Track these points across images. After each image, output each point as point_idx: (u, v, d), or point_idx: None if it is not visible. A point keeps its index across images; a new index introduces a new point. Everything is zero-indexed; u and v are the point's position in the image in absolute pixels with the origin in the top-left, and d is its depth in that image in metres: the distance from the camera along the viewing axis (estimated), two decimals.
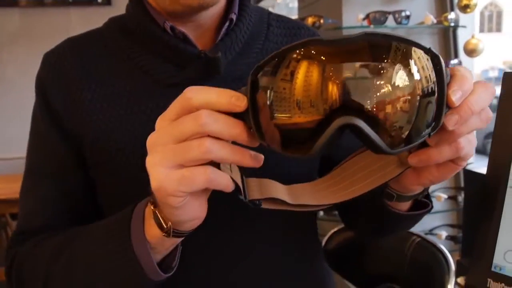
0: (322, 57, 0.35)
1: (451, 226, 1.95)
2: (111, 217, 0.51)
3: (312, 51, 0.35)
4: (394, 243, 1.01)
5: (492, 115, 0.41)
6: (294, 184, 0.49)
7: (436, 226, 1.92)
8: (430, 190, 0.54)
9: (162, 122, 0.40)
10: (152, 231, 0.44)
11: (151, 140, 0.39)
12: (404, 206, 0.55)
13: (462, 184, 1.91)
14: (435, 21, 1.76)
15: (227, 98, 0.38)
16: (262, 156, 0.40)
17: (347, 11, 1.83)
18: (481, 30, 17.59)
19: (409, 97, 0.35)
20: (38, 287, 0.54)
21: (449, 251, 0.94)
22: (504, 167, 0.48)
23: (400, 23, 1.73)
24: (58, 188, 0.60)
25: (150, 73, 0.59)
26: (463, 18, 1.80)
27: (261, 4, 3.20)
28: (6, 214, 2.20)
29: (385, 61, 0.35)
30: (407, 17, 1.74)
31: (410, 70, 0.35)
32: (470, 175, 1.15)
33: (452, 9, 1.85)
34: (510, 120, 0.49)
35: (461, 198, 1.92)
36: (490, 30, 18.30)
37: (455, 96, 0.37)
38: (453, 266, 0.89)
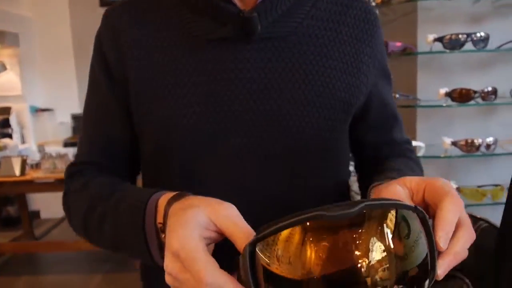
0: (324, 232, 0.36)
1: None
2: (133, 198, 0.56)
3: (312, 228, 0.36)
4: None
5: (466, 255, 0.43)
6: None
7: None
8: None
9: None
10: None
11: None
12: None
13: None
14: None
15: None
16: None
17: (423, 31, 1.80)
18: None
19: (409, 258, 0.38)
20: (80, 229, 0.64)
21: None
22: None
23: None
24: (104, 133, 0.68)
25: (192, 29, 0.62)
26: None
27: None
28: None
29: (381, 230, 0.37)
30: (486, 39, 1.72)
31: (406, 234, 0.38)
32: None
33: None
34: None
35: None
36: None
37: (442, 242, 0.41)
38: None
